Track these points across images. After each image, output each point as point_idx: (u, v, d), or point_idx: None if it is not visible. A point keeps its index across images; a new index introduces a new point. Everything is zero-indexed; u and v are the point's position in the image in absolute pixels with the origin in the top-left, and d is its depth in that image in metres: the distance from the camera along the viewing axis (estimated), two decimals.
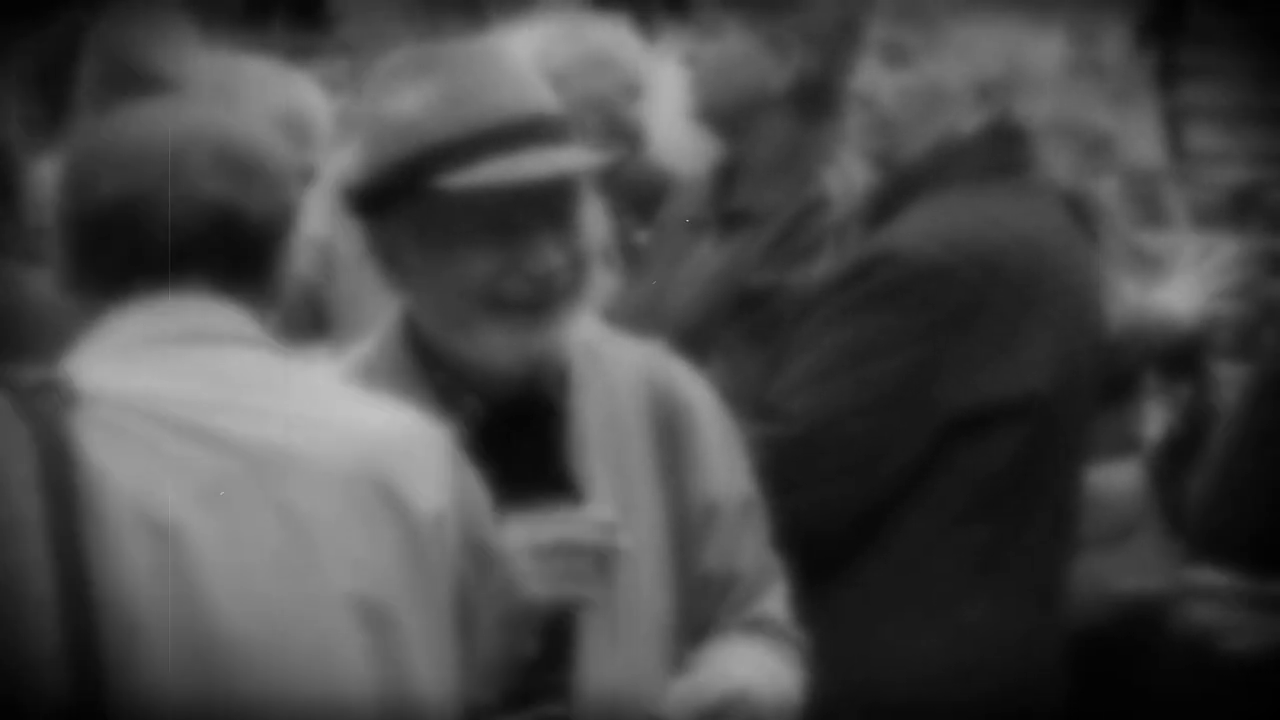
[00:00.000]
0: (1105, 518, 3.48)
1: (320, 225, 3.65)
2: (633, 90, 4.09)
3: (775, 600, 2.52)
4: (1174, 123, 4.32)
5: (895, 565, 2.88)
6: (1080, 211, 3.64)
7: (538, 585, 2.28)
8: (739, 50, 3.35)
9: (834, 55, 3.29)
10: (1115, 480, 3.55)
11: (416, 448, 1.92)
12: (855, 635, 2.85)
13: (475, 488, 1.96)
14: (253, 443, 1.85)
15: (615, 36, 4.15)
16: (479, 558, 1.95)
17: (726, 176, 3.43)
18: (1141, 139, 4.12)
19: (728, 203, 3.40)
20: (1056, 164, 3.60)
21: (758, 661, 2.42)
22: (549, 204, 2.34)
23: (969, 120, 2.94)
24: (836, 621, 2.77)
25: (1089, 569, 3.38)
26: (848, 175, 3.28)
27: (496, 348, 2.34)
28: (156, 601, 1.78)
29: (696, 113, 3.45)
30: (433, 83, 2.34)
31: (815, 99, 3.34)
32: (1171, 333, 3.68)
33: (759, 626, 2.47)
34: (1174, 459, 3.65)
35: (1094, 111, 3.76)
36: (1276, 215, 5.43)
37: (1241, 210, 5.43)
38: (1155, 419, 3.78)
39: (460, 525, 1.92)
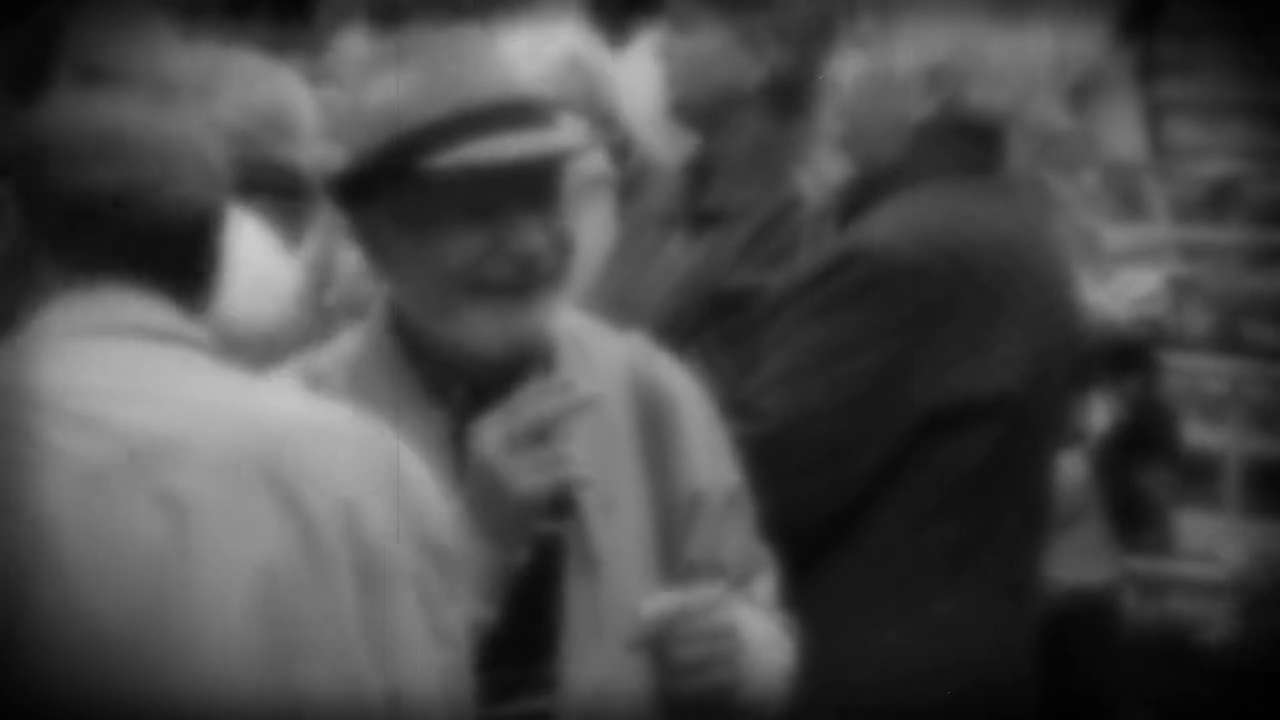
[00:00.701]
0: None
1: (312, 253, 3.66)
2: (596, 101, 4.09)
3: (764, 587, 2.52)
4: (1153, 117, 4.32)
5: (868, 563, 2.88)
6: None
7: (524, 479, 2.28)
8: (713, 46, 3.34)
9: (808, 53, 3.28)
10: (1059, 471, 3.55)
11: (318, 439, 1.88)
12: (828, 633, 2.79)
13: (429, 489, 1.93)
14: (137, 431, 1.81)
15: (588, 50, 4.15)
16: (438, 561, 1.91)
17: (700, 173, 3.43)
18: (1121, 133, 4.12)
19: (701, 200, 3.39)
20: (1016, 156, 3.63)
21: (746, 611, 2.42)
22: (531, 185, 2.34)
23: (921, 107, 2.92)
24: (809, 619, 2.73)
25: None
26: (821, 174, 3.27)
27: (481, 332, 2.34)
28: (30, 593, 1.75)
29: (670, 108, 3.44)
30: (414, 68, 2.35)
31: (789, 97, 3.33)
32: (1109, 330, 3.69)
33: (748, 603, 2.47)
34: (1121, 451, 3.66)
35: (1055, 106, 3.77)
36: (1255, 209, 5.43)
37: (1220, 204, 5.42)
38: (1100, 411, 3.79)
39: (410, 529, 1.89)
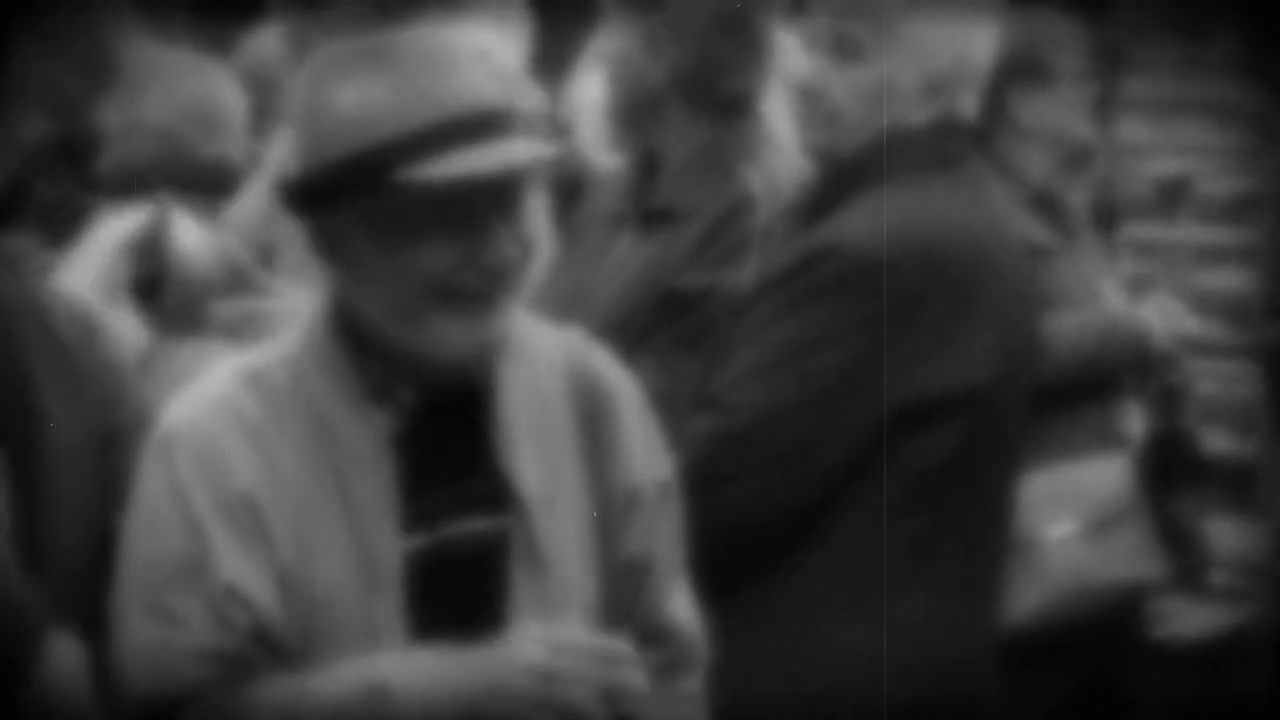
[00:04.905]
0: (1090, 510, 3.53)
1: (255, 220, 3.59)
2: None
3: (681, 602, 2.53)
4: (1103, 114, 4.29)
5: (834, 558, 2.87)
6: (1054, 212, 3.70)
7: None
8: (627, 47, 3.31)
9: (710, 51, 3.24)
10: (1101, 473, 3.59)
11: None
12: (793, 628, 2.84)
13: None
14: None
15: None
16: None
17: (646, 172, 3.39)
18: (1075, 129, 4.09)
19: (648, 199, 3.35)
20: (1034, 166, 3.71)
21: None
22: (504, 195, 2.32)
23: (916, 115, 2.92)
24: (775, 614, 2.80)
25: (1074, 560, 3.47)
26: (771, 175, 3.23)
27: (448, 339, 2.32)
28: None
29: (607, 109, 3.41)
30: (384, 74, 2.30)
31: (710, 96, 3.28)
32: (1145, 347, 3.73)
33: (669, 669, 2.49)
34: (1154, 465, 3.69)
35: (1081, 117, 3.82)
36: (1205, 207, 5.43)
37: (1171, 202, 5.41)
38: (1136, 419, 3.83)
39: None
